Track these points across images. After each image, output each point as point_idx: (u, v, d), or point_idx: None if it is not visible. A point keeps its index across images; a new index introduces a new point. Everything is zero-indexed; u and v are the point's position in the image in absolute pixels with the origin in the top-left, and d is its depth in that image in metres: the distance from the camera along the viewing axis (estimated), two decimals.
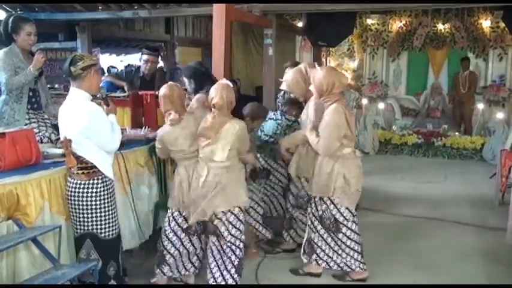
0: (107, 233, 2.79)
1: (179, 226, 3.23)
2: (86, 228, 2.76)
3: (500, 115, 8.22)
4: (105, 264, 2.81)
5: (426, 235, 4.21)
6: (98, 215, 2.76)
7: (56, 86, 4.86)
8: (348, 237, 3.32)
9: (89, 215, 2.74)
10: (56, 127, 3.63)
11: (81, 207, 2.73)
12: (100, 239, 2.78)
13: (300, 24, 8.73)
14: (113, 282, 2.86)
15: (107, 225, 2.79)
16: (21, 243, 2.50)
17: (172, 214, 3.24)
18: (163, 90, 3.16)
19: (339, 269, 3.39)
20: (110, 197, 2.81)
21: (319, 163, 3.30)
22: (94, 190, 2.72)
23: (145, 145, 3.74)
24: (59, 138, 3.46)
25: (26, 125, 3.50)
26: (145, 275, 3.36)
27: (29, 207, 2.66)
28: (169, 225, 3.23)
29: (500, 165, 4.98)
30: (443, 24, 9.13)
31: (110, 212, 2.80)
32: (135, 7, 6.38)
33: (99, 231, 2.78)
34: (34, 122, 3.62)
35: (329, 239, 3.33)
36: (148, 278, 3.34)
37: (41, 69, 3.63)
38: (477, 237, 4.22)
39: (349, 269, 3.38)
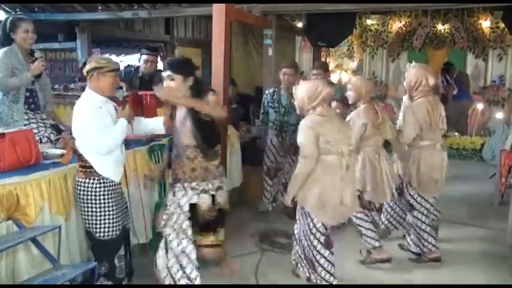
0: (102, 234, 2.80)
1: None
2: (85, 225, 2.83)
3: (500, 115, 8.22)
4: (98, 263, 2.83)
5: None
6: (94, 214, 2.77)
7: (56, 86, 4.86)
8: (418, 219, 3.63)
9: (86, 213, 2.79)
10: (55, 127, 3.63)
11: (80, 204, 2.80)
12: (95, 238, 2.81)
13: (300, 24, 8.73)
14: (102, 280, 2.86)
15: (103, 226, 2.79)
16: (20, 244, 2.50)
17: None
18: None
19: (417, 248, 3.68)
20: (109, 198, 2.79)
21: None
22: (90, 189, 2.74)
23: (145, 145, 3.75)
24: (58, 139, 3.47)
25: (25, 125, 3.50)
26: (145, 274, 3.36)
27: (29, 208, 2.66)
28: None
29: (500, 165, 4.98)
30: (443, 24, 9.13)
31: (107, 213, 2.79)
32: (135, 7, 6.38)
33: (94, 230, 2.80)
34: (33, 123, 3.62)
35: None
36: (148, 277, 3.34)
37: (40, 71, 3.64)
38: (477, 237, 4.22)
39: (424, 249, 3.65)
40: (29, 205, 2.67)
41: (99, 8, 6.51)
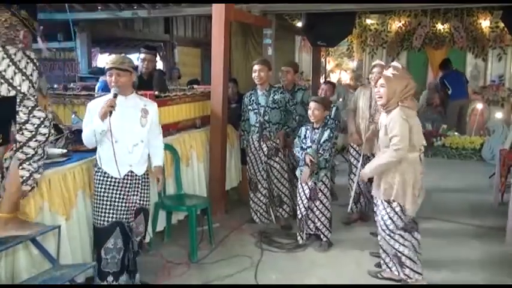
0: (95, 220, 2.94)
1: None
2: None
3: (499, 115, 8.23)
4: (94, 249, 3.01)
5: (425, 235, 4.20)
6: (94, 200, 2.95)
7: (55, 86, 4.85)
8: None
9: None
10: (55, 127, 3.62)
11: None
12: (92, 223, 2.98)
13: (300, 24, 8.73)
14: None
15: (96, 213, 2.92)
16: (20, 244, 2.50)
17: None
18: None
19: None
20: (102, 188, 2.89)
21: None
22: (94, 175, 2.94)
23: None
24: (58, 139, 3.46)
25: None
26: (145, 273, 3.35)
27: (29, 207, 2.66)
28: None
29: (499, 165, 4.99)
30: (443, 24, 9.14)
31: (100, 202, 2.90)
32: (134, 7, 6.38)
33: (92, 214, 2.99)
34: None
35: None
36: (148, 276, 3.33)
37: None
38: (477, 237, 4.22)
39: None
40: (29, 205, 2.66)
41: (99, 7, 6.51)
